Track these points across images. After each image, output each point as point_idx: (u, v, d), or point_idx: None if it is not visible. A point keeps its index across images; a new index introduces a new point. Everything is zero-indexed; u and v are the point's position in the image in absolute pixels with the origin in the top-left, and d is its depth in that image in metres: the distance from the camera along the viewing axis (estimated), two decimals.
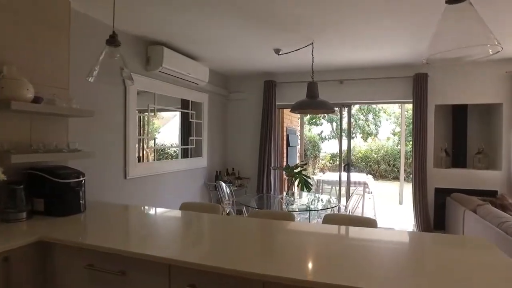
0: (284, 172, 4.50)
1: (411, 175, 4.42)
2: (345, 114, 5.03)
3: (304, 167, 3.73)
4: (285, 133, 5.97)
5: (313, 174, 10.57)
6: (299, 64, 4.37)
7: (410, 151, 7.01)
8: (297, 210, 3.12)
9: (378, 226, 2.00)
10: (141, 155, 4.35)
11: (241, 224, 1.97)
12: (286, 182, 5.39)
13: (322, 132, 11.48)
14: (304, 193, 3.99)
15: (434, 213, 4.33)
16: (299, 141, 7.47)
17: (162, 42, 3.50)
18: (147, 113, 3.62)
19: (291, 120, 6.48)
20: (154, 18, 2.85)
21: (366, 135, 11.10)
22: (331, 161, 13.24)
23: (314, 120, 11.97)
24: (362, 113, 11.07)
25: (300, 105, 3.23)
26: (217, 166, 5.02)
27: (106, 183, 2.97)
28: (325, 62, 4.25)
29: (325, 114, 11.49)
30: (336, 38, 3.25)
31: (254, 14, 2.70)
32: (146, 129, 4.31)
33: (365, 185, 5.36)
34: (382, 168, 11.93)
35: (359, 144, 12.21)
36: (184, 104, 4.44)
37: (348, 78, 4.60)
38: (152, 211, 2.35)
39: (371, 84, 4.56)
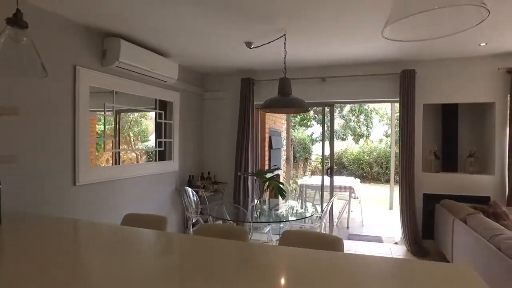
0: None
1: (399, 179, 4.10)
2: (337, 115, 4.71)
3: (276, 172, 3.38)
4: (267, 135, 5.64)
5: (299, 178, 10.24)
6: (278, 60, 4.03)
7: None
8: (264, 221, 2.78)
9: (346, 246, 1.65)
10: (116, 158, 3.97)
11: (179, 246, 1.62)
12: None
13: (312, 133, 11.16)
14: (287, 201, 3.66)
15: (422, 221, 4.01)
16: (284, 143, 7.13)
17: (120, 34, 3.16)
18: (103, 113, 3.26)
19: (275, 121, 6.15)
20: (110, 7, 2.51)
21: (358, 136, 10.79)
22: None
23: (304, 122, 11.66)
24: (354, 114, 10.78)
25: (270, 104, 2.89)
26: (191, 170, 4.66)
27: (50, 191, 2.60)
28: (305, 58, 3.92)
29: (315, 115, 11.18)
30: (311, 29, 2.92)
31: (220, 2, 2.37)
32: (117, 129, 3.95)
33: (350, 189, 5.03)
34: (375, 170, 11.65)
35: (352, 146, 11.92)
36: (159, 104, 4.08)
37: (330, 75, 4.28)
38: (84, 226, 1.99)
39: (356, 82, 4.23)
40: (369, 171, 11.75)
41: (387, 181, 10.74)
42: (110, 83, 3.25)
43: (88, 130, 3.00)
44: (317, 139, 10.82)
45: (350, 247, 4.12)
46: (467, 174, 3.92)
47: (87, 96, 2.97)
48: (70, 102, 2.82)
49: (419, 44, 3.38)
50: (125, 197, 3.44)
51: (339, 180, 5.54)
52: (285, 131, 7.23)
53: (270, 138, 5.71)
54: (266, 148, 5.62)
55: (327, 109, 4.43)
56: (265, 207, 3.22)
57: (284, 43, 3.05)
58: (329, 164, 4.49)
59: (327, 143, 4.53)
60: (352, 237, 4.62)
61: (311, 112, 11.52)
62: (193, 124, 4.79)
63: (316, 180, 5.97)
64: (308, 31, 2.98)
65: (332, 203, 3.68)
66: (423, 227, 4.00)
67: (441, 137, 4.22)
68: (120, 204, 3.36)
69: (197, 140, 4.91)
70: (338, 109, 10.89)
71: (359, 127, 10.50)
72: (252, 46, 3.39)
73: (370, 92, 4.20)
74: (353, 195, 5.02)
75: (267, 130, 5.62)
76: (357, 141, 11.14)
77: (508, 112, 3.65)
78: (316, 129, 11.71)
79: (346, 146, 12.39)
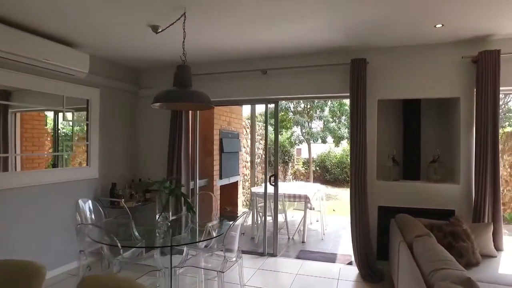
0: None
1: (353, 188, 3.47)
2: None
3: (174, 182, 2.75)
4: (217, 137, 5.04)
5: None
6: (217, 50, 3.45)
7: None
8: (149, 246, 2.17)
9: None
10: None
11: None
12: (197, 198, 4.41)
13: (291, 135, 10.55)
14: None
15: (377, 239, 3.39)
16: (249, 146, 6.52)
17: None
18: None
19: (229, 121, 5.54)
20: None
21: (338, 138, 10.17)
22: (305, 167, 12.33)
23: (284, 123, 11.05)
24: (335, 115, 10.16)
25: (160, 97, 2.29)
26: (119, 177, 4.05)
27: None
28: (237, 46, 3.33)
29: (293, 114, 10.58)
30: (218, 4, 2.33)
31: None
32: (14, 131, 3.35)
33: (306, 199, 4.41)
34: None
35: (334, 149, 11.31)
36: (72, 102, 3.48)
37: (272, 67, 3.68)
38: None
39: (302, 75, 3.63)
40: None
41: None
42: None
43: None
44: (296, 141, 10.21)
45: (294, 267, 3.50)
46: (430, 183, 3.31)
47: None
48: None
49: (368, 27, 2.80)
50: (6, 217, 2.84)
51: (292, 188, 4.91)
52: (250, 133, 6.63)
53: (221, 140, 5.10)
54: (216, 152, 5.01)
55: (270, 107, 3.83)
56: (169, 224, 2.60)
57: (184, 23, 2.45)
58: (274, 170, 3.87)
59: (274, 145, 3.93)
60: (302, 254, 4.00)
61: (290, 113, 10.92)
62: (123, 125, 4.19)
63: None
64: (214, 7, 2.39)
65: (254, 216, 3.05)
66: (378, 246, 3.39)
67: (402, 140, 3.62)
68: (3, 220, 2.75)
69: (129, 142, 4.31)
70: (319, 110, 10.29)
71: (339, 128, 9.88)
72: (159, 30, 2.79)
73: (319, 86, 3.60)
74: (308, 205, 4.40)
75: (216, 132, 5.02)
76: (337, 144, 10.51)
77: (474, 109, 3.05)
78: (296, 130, 11.11)
79: (329, 149, 11.77)
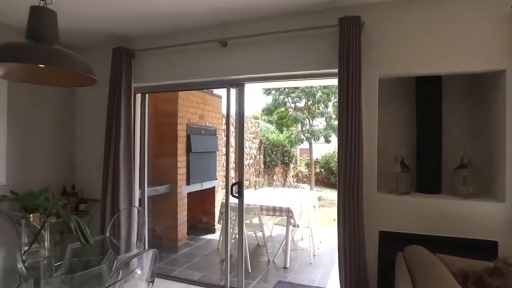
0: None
1: (342, 201, 2.43)
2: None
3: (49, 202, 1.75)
4: (182, 133, 4.07)
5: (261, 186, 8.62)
6: (163, 15, 2.51)
7: None
8: None
9: None
10: None
11: None
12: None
13: (291, 134, 9.49)
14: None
15: (378, 277, 2.35)
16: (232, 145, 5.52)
17: None
18: None
19: (203, 114, 4.56)
20: None
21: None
22: (308, 168, 11.25)
23: (284, 121, 10.01)
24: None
25: None
26: (45, 183, 3.14)
27: None
28: (191, 9, 2.36)
29: (293, 110, 9.52)
30: None
31: None
32: None
33: (288, 213, 3.39)
34: None
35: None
36: None
37: (234, 35, 2.68)
38: None
39: (272, 45, 2.63)
40: None
41: None
42: None
43: None
44: (296, 140, 9.14)
45: None
46: (457, 199, 2.24)
47: None
48: None
49: None
50: None
51: (273, 198, 3.88)
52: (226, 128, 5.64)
53: (188, 137, 4.14)
54: (182, 152, 4.06)
55: (233, 91, 2.84)
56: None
57: None
58: (239, 177, 2.87)
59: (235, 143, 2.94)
60: (280, 287, 2.99)
61: (290, 109, 9.86)
62: (51, 119, 3.29)
63: (251, 194, 4.30)
64: None
65: None
66: (379, 286, 2.34)
67: (415, 135, 2.55)
68: None
69: (60, 140, 3.40)
70: (322, 106, 9.19)
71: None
72: None
73: (297, 61, 2.57)
74: (291, 221, 3.38)
75: (182, 127, 4.06)
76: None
77: None
78: (298, 128, 10.04)
79: (334, 149, 10.63)
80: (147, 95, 3.28)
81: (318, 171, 11.02)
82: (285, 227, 3.54)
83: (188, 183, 4.16)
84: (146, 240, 3.13)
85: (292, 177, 10.88)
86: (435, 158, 2.43)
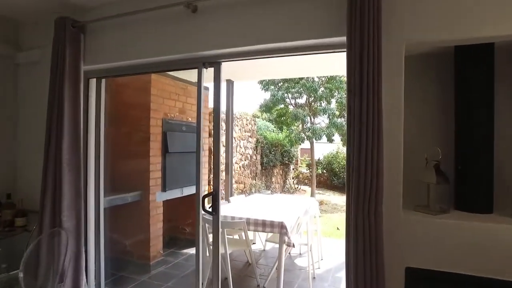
0: None
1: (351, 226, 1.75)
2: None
3: None
4: (155, 130, 3.40)
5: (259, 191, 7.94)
6: None
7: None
8: None
9: None
10: None
11: None
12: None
13: (291, 133, 8.78)
14: None
15: None
16: (223, 145, 4.81)
17: None
18: None
19: (184, 107, 3.87)
20: None
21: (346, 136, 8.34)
22: (307, 169, 10.57)
23: (283, 119, 9.32)
24: (343, 109, 8.35)
25: None
26: None
27: None
28: None
29: (294, 107, 8.82)
30: None
31: None
32: None
33: (281, 229, 2.70)
34: None
35: (342, 149, 9.48)
36: None
37: None
38: None
39: (257, 7, 1.94)
40: None
41: None
42: None
43: None
44: (296, 139, 8.42)
45: None
46: None
47: None
48: None
49: None
50: None
51: (263, 210, 3.18)
52: (213, 124, 4.95)
53: (164, 135, 3.47)
54: (156, 153, 3.38)
55: (205, 71, 2.16)
56: None
57: None
58: (214, 186, 2.20)
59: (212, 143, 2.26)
60: None
61: (291, 106, 9.14)
62: None
63: (240, 203, 3.59)
64: None
65: None
66: None
67: (453, 130, 1.85)
68: None
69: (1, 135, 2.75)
70: (325, 103, 8.48)
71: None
72: None
73: (288, 27, 1.88)
74: (285, 239, 2.69)
75: (156, 122, 3.38)
76: (345, 143, 8.68)
77: None
78: (298, 127, 9.34)
79: (337, 149, 9.96)
80: (103, 80, 2.61)
81: (320, 173, 10.33)
82: (278, 244, 2.86)
83: (164, 189, 3.48)
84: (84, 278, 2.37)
85: (292, 178, 10.19)
86: (483, 163, 1.73)
